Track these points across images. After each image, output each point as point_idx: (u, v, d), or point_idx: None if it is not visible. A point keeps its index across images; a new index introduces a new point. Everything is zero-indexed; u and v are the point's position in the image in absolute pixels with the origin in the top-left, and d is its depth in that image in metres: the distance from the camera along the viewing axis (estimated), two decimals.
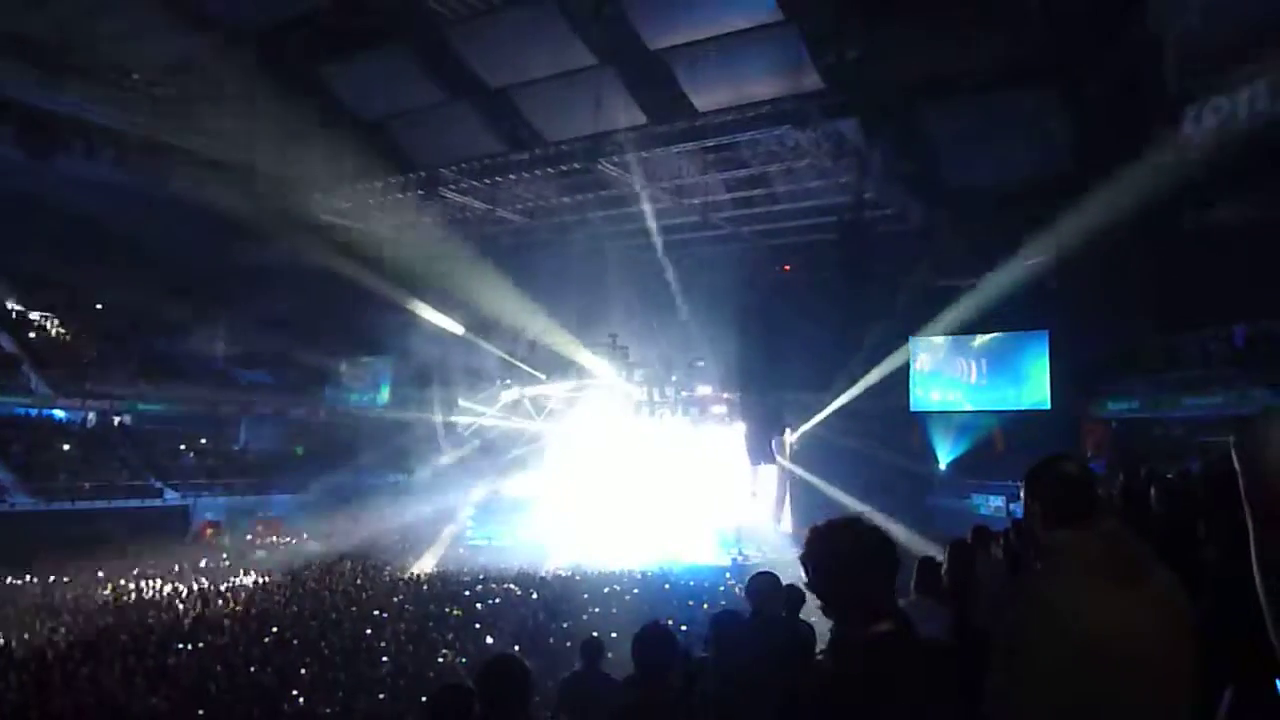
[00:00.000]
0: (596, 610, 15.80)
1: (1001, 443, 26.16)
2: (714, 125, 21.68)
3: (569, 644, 11.91)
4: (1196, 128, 18.66)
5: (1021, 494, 2.44)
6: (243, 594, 17.72)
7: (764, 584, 4.85)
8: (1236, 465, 1.46)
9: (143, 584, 18.51)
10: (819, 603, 2.20)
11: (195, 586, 18.20)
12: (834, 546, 2.17)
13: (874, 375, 25.79)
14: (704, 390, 29.15)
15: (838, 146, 21.51)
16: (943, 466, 26.97)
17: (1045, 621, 2.01)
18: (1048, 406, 25.47)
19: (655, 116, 22.33)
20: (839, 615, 2.16)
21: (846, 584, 2.13)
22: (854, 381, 25.57)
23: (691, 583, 19.77)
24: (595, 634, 6.68)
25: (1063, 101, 19.58)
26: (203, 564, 22.77)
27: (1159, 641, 1.98)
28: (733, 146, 22.46)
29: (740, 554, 25.98)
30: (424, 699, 9.15)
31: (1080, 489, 2.32)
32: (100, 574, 19.56)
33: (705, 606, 15.94)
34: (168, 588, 18.05)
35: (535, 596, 17.61)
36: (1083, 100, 19.44)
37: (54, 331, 33.65)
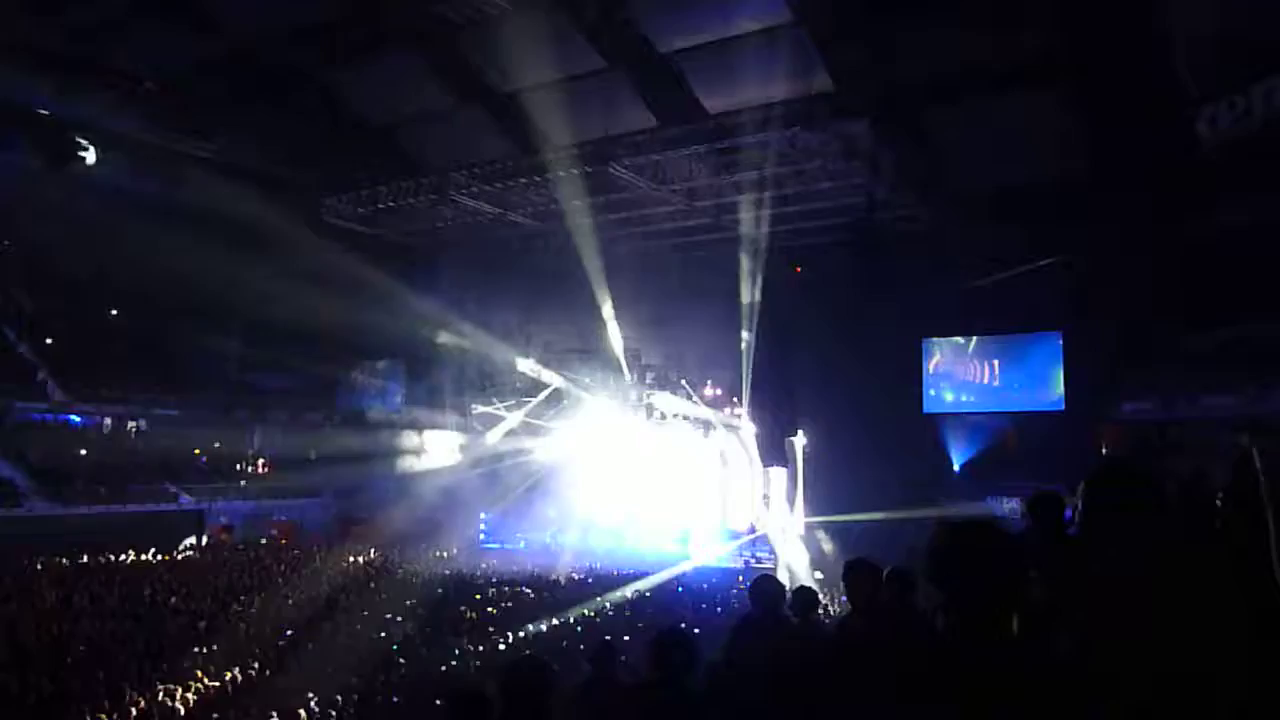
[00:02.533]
0: (609, 613, 15.79)
1: (1015, 444, 26.03)
2: (724, 128, 21.68)
3: (581, 647, 11.90)
4: (1211, 127, 18.54)
5: (1081, 496, 2.31)
6: (257, 597, 17.77)
7: (766, 587, 4.86)
8: (1258, 465, 1.45)
9: (157, 587, 18.57)
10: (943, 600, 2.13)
11: (210, 589, 18.26)
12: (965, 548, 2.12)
13: (886, 377, 25.67)
14: (715, 392, 29.11)
15: (848, 148, 21.46)
16: (956, 469, 26.83)
17: (1117, 629, 1.94)
18: (1062, 407, 25.33)
19: (665, 119, 22.35)
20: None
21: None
22: (866, 383, 25.46)
23: (704, 585, 19.74)
24: (608, 637, 6.67)
25: (1075, 101, 19.49)
26: (217, 567, 22.83)
27: (1220, 648, 1.91)
28: (743, 149, 22.43)
29: (753, 556, 25.92)
30: (438, 702, 9.17)
31: (1149, 495, 2.21)
32: (117, 577, 19.63)
33: (719, 610, 15.93)
34: (182, 591, 18.11)
35: (547, 599, 17.61)
36: (1095, 100, 19.34)
37: (70, 338, 33.84)
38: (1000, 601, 2.04)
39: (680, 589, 19.26)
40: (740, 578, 20.87)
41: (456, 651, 12.68)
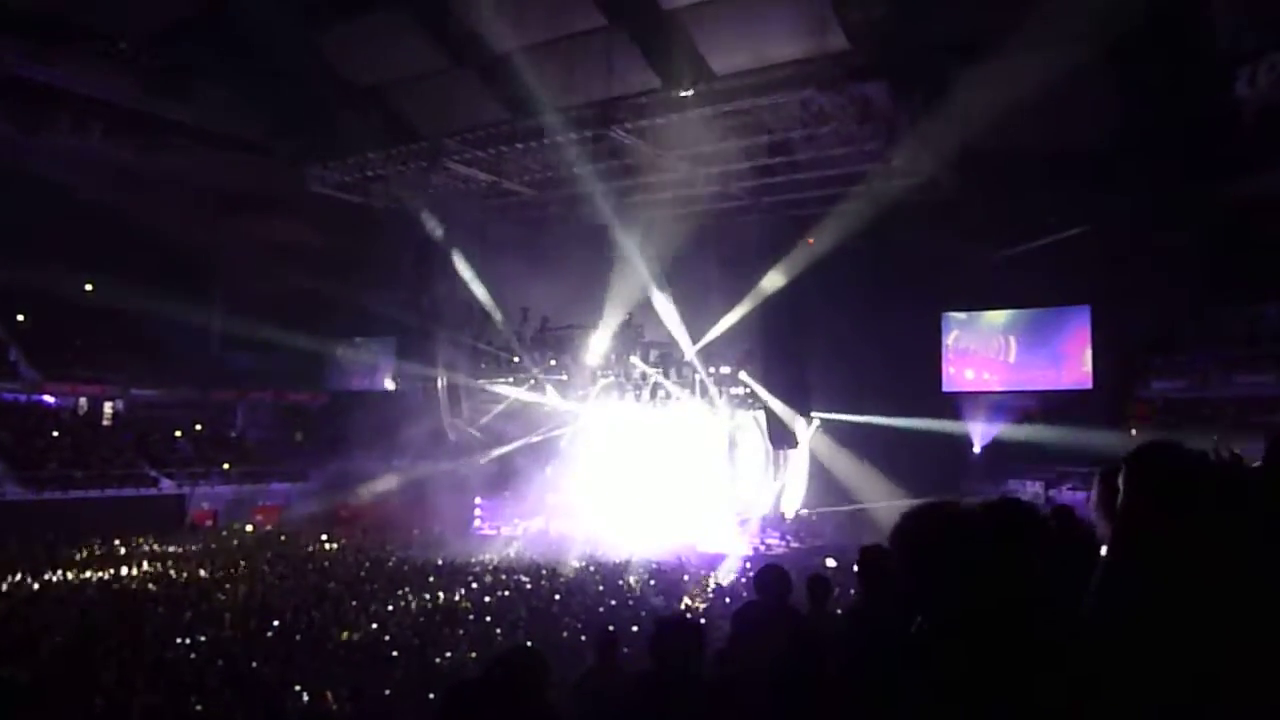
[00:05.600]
0: (612, 602, 15.86)
1: (1040, 425, 26.03)
2: (733, 89, 21.53)
3: (583, 638, 11.97)
4: (1251, 89, 18.37)
5: (1123, 479, 2.25)
6: (242, 586, 17.88)
7: (770, 576, 4.86)
8: None
9: (138, 576, 18.70)
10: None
11: (193, 578, 18.39)
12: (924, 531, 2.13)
13: (903, 354, 25.64)
14: (723, 370, 29.06)
15: (864, 111, 21.32)
16: (977, 450, 26.84)
17: (1160, 626, 1.93)
18: (1089, 386, 25.30)
19: (670, 80, 22.19)
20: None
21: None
22: (882, 361, 25.45)
23: (711, 572, 19.81)
24: (610, 627, 6.70)
25: (1106, 62, 19.30)
26: (200, 554, 22.99)
27: (1267, 645, 1.89)
28: (753, 111, 22.29)
29: (762, 543, 26.00)
30: (432, 696, 9.23)
31: (1200, 481, 2.18)
32: (94, 566, 19.75)
33: (727, 600, 15.99)
34: (165, 580, 18.24)
35: (547, 588, 17.69)
36: (1127, 62, 19.16)
37: (42, 314, 33.87)
38: (976, 589, 2.05)
39: (686, 577, 19.34)
40: (748, 564, 20.93)
41: (450, 644, 12.75)
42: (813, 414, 27.60)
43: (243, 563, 21.02)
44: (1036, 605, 2.13)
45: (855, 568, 5.09)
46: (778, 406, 27.56)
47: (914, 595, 2.13)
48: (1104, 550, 2.41)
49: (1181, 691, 1.87)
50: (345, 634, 13.47)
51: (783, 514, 27.80)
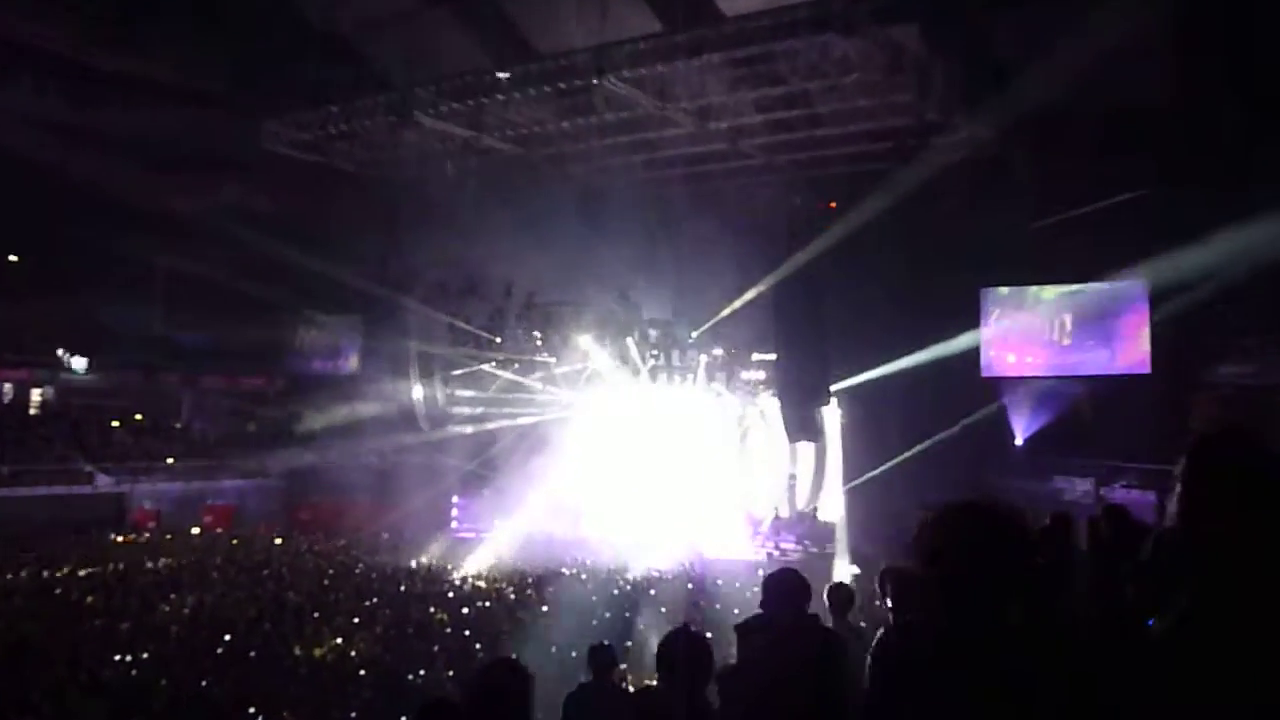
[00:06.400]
0: (607, 614, 15.92)
1: (1091, 415, 26.03)
2: (744, 33, 21.45)
3: (575, 654, 12.00)
4: None
5: (1184, 474, 2.28)
6: (190, 595, 17.92)
7: (779, 584, 4.83)
8: None
9: (72, 584, 18.74)
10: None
11: (134, 587, 18.42)
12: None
13: (937, 335, 25.62)
14: (733, 353, 29.08)
15: (893, 59, 21.24)
16: (1020, 442, 26.88)
17: (1219, 629, 1.96)
18: (1148, 371, 25.29)
19: (672, 23, 22.11)
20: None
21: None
22: (914, 342, 25.43)
23: (719, 581, 19.87)
24: (605, 641, 6.71)
25: (1168, 9, 19.24)
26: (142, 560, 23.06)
27: None
28: (767, 59, 22.19)
29: (776, 548, 26.07)
30: (404, 718, 9.26)
31: (1270, 475, 2.19)
32: (22, 573, 19.78)
33: (736, 612, 16.06)
34: (103, 588, 18.27)
35: (533, 597, 17.74)
36: (1190, 10, 19.11)
37: None
38: (1003, 590, 2.18)
39: (690, 585, 19.41)
40: (761, 571, 20.97)
41: (425, 661, 12.79)
42: (834, 402, 27.52)
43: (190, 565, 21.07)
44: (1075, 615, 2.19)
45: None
46: (794, 394, 27.52)
47: (941, 604, 2.20)
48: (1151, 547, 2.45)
49: (1235, 698, 1.89)
50: (305, 649, 13.51)
51: (801, 514, 27.84)
